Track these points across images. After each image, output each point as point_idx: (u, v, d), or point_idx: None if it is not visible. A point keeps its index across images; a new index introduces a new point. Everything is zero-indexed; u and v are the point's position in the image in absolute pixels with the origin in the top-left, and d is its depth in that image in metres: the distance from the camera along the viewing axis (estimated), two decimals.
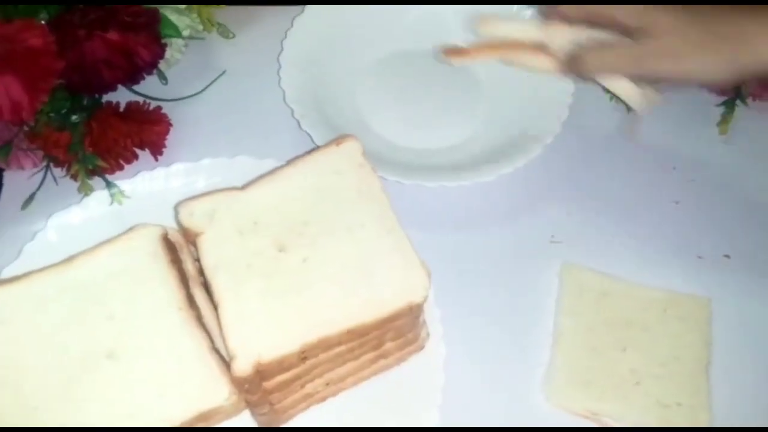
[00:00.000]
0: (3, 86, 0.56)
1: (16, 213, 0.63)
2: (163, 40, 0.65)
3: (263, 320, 0.48)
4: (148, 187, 0.60)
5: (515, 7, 0.72)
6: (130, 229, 0.53)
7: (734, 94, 0.71)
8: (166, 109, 0.67)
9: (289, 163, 0.56)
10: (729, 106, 0.71)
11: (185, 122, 0.68)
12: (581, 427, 0.55)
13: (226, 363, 0.48)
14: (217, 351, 0.49)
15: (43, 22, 0.59)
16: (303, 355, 0.47)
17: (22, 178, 0.64)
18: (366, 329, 0.48)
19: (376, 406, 0.53)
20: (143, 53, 0.62)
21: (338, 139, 0.56)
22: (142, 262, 0.51)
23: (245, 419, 0.52)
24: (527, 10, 0.72)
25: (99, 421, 0.45)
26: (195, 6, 0.70)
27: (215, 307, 0.49)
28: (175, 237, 0.54)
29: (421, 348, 0.55)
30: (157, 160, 0.66)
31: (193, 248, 0.53)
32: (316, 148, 0.58)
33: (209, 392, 0.46)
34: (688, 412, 0.55)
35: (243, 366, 0.46)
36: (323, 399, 0.53)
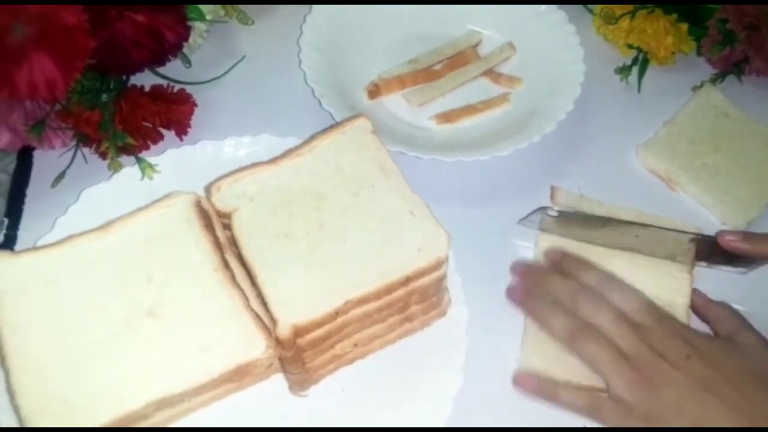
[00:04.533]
0: (38, 64, 0.57)
1: (46, 191, 0.64)
2: (188, 23, 0.67)
3: (298, 285, 0.50)
4: (176, 161, 0.62)
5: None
6: (165, 196, 0.55)
7: (732, 66, 0.73)
8: (189, 92, 0.69)
9: (308, 140, 0.58)
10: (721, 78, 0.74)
11: (208, 105, 0.70)
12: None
13: (261, 319, 0.49)
14: (252, 309, 0.50)
15: None
16: (336, 311, 0.49)
17: (51, 158, 0.66)
18: (395, 286, 0.50)
19: (402, 367, 0.55)
20: (169, 35, 0.64)
21: (350, 119, 0.59)
22: (177, 227, 0.53)
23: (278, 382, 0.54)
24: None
25: (142, 376, 0.47)
26: None
27: (248, 272, 0.51)
28: (207, 205, 0.56)
29: (444, 313, 0.57)
30: (182, 140, 0.67)
31: (225, 219, 0.55)
32: (331, 126, 0.59)
33: (247, 346, 0.48)
34: None
35: (283, 329, 0.48)
36: (352, 360, 0.55)
